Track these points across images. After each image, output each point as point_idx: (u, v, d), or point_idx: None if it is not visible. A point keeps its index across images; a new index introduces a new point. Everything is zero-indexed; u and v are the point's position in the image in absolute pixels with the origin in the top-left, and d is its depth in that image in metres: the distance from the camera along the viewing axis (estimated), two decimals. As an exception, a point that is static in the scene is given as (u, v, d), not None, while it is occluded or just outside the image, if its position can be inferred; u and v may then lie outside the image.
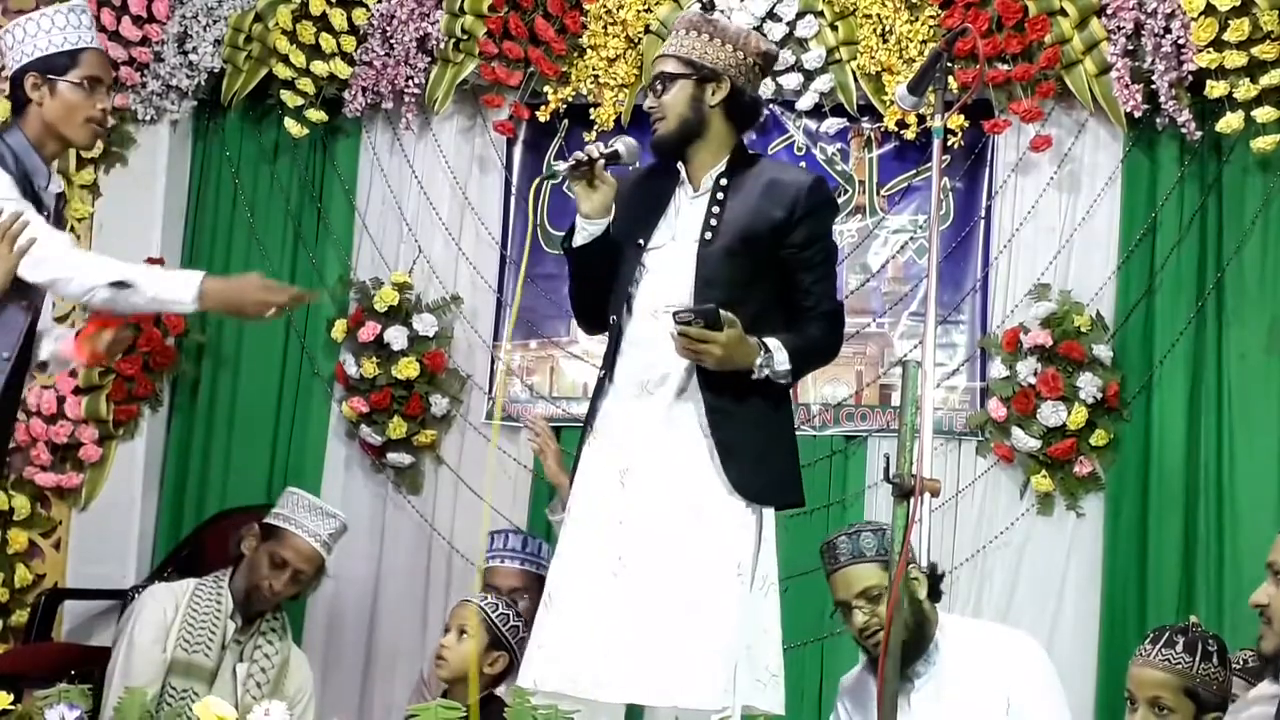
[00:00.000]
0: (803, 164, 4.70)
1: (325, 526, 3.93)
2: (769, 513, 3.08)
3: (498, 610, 3.73)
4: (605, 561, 2.98)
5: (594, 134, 4.66)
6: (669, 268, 3.04)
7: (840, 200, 4.71)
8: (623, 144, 3.02)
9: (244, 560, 3.88)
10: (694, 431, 3.01)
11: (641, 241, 3.07)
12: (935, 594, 3.32)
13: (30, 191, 3.14)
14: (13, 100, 3.26)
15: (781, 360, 2.97)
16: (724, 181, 3.06)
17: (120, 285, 3.03)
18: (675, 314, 2.92)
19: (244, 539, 3.92)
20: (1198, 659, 2.83)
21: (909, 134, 4.54)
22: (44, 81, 3.19)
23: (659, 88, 3.06)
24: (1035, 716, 3.20)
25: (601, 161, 3.01)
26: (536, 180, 3.10)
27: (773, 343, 2.98)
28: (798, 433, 4.54)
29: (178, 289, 3.06)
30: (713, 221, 3.02)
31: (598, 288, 3.12)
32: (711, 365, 2.93)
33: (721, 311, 2.89)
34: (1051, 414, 4.36)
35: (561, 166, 3.05)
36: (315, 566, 3.92)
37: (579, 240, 3.06)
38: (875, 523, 3.36)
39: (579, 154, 3.00)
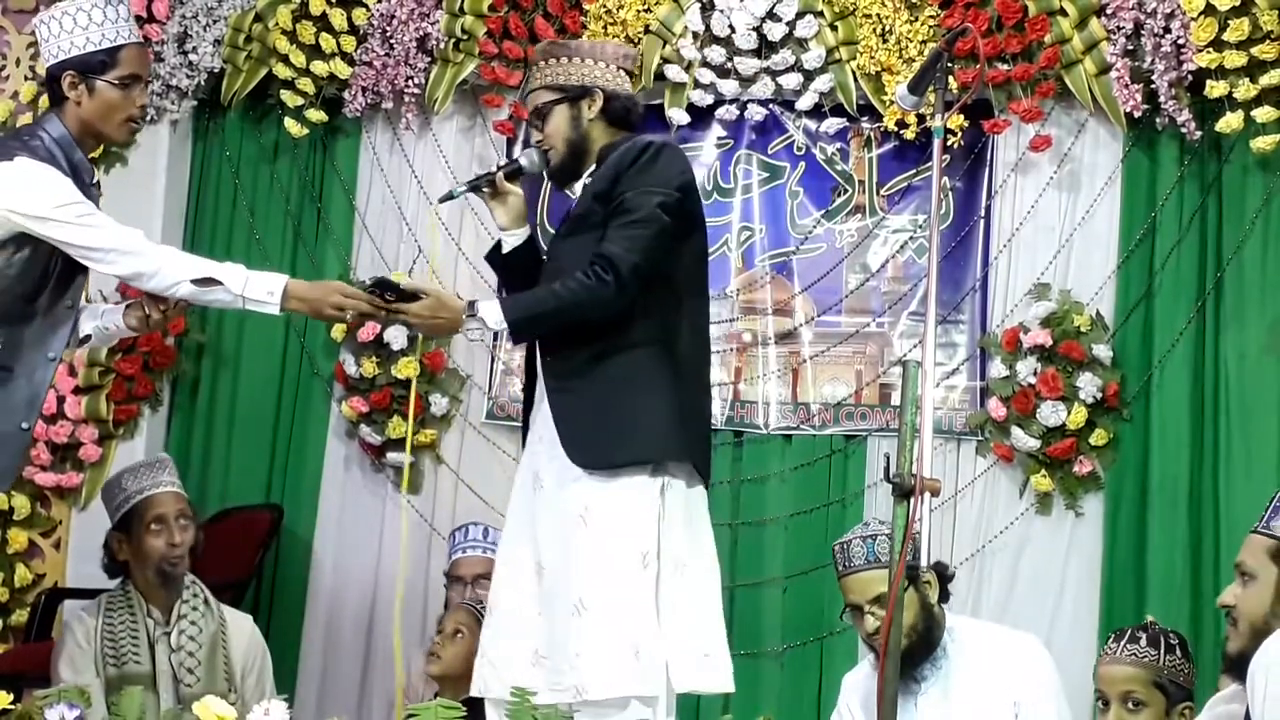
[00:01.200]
0: (803, 164, 4.71)
1: (160, 472, 3.87)
2: (675, 495, 3.02)
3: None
4: (527, 566, 3.06)
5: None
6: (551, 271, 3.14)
7: (840, 200, 4.72)
8: (525, 157, 3.13)
9: (130, 563, 3.84)
10: (553, 423, 3.04)
11: (546, 257, 3.19)
12: (944, 595, 3.33)
13: (81, 187, 3.11)
14: (50, 95, 3.19)
15: (495, 318, 2.97)
16: (588, 179, 3.14)
17: (205, 282, 3.04)
18: (364, 286, 3.03)
19: (113, 548, 3.84)
20: (1162, 652, 2.91)
21: (909, 134, 4.54)
22: (81, 80, 3.11)
23: (538, 123, 3.15)
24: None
25: (500, 175, 3.18)
26: (437, 200, 3.20)
27: (485, 304, 3.00)
28: (797, 432, 4.63)
29: (262, 290, 3.05)
30: (568, 216, 3.13)
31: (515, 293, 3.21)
32: (421, 331, 3.06)
33: (405, 282, 3.04)
34: (1051, 414, 4.36)
35: (460, 188, 3.20)
36: (185, 504, 3.86)
37: (504, 250, 3.18)
38: (889, 525, 3.35)
39: (478, 172, 3.09)
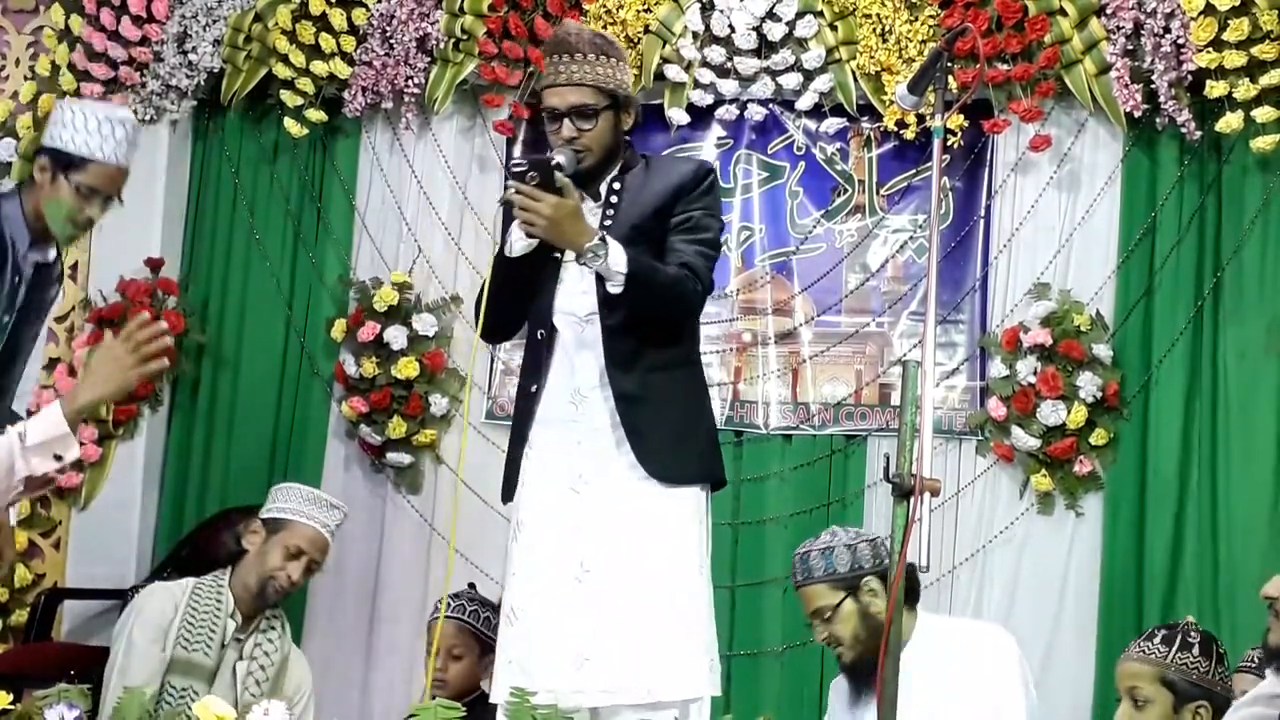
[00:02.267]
0: (803, 164, 4.72)
1: (333, 518, 3.91)
2: (708, 500, 3.10)
3: (478, 618, 3.74)
4: (567, 569, 3.00)
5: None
6: (582, 275, 3.05)
7: (840, 200, 4.72)
8: (563, 155, 3.01)
9: (248, 556, 3.87)
10: (613, 427, 3.02)
11: (558, 255, 3.09)
12: (912, 598, 3.29)
13: (5, 256, 3.25)
14: (32, 170, 3.40)
15: (618, 260, 2.90)
16: (616, 185, 3.10)
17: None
18: (511, 161, 2.93)
19: (244, 535, 3.91)
20: (1174, 649, 2.89)
21: (908, 134, 4.54)
22: (50, 168, 3.32)
23: (580, 121, 3.03)
24: (1008, 715, 3.21)
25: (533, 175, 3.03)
26: (502, 199, 3.06)
27: (615, 244, 2.93)
28: (797, 432, 4.63)
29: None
30: (607, 223, 3.05)
31: (520, 297, 3.12)
32: (540, 232, 2.90)
33: (560, 176, 2.88)
34: (1051, 413, 4.36)
35: (512, 189, 2.96)
36: (326, 557, 3.89)
37: (519, 250, 3.04)
38: (826, 539, 3.35)
39: (521, 167, 2.96)
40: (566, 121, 3.03)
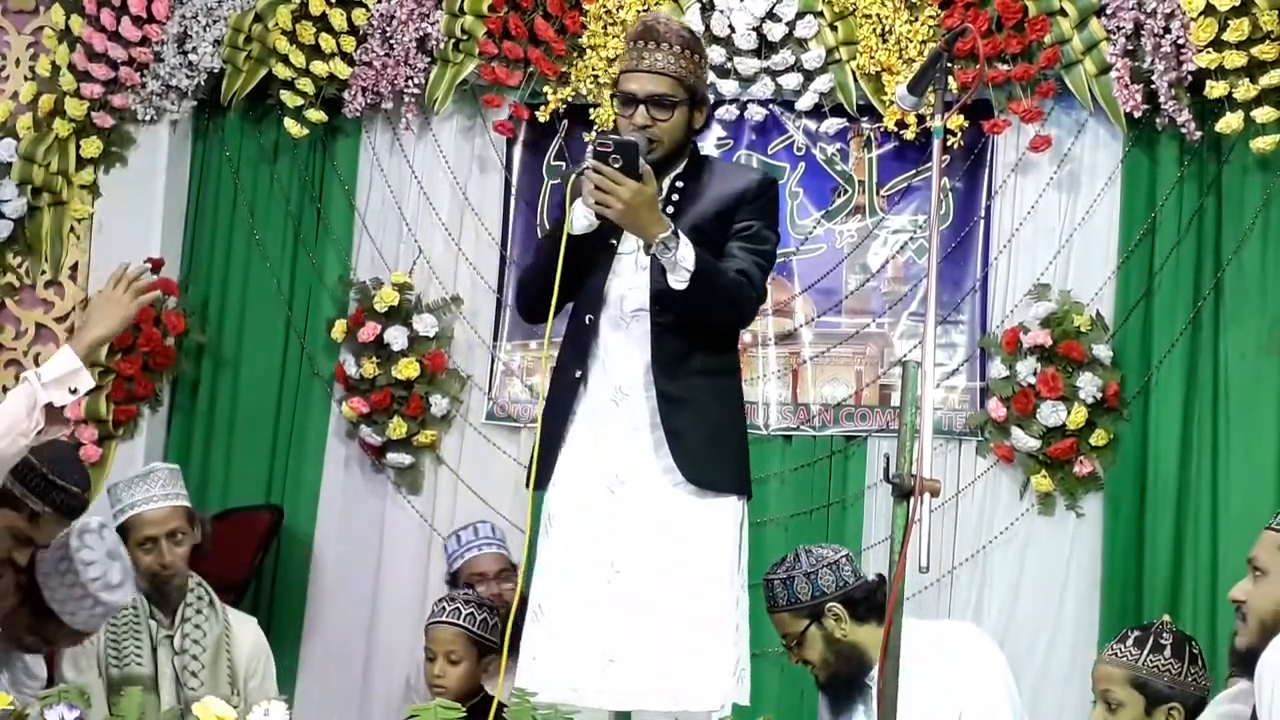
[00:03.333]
0: (803, 164, 4.72)
1: (154, 486, 3.85)
2: (744, 510, 3.08)
3: (474, 620, 3.73)
4: (598, 569, 2.98)
5: (594, 134, 4.68)
6: (636, 270, 3.03)
7: (840, 200, 4.72)
8: (642, 139, 2.96)
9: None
10: (652, 427, 3.01)
11: (614, 242, 3.05)
12: (876, 614, 3.27)
13: None
14: None
15: (687, 255, 2.88)
16: (680, 184, 3.07)
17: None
18: (595, 140, 2.88)
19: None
20: (1146, 651, 2.88)
21: (909, 134, 4.54)
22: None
23: (655, 110, 3.00)
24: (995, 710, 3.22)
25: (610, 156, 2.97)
26: (574, 174, 2.99)
27: (685, 239, 2.90)
28: (797, 433, 4.63)
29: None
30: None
31: (568, 278, 3.02)
32: (614, 216, 2.86)
33: (643, 163, 2.85)
34: (1051, 414, 4.36)
35: (590, 166, 2.91)
36: (180, 517, 3.83)
37: (579, 228, 2.98)
38: (788, 566, 3.35)
39: (606, 148, 2.90)
40: (642, 108, 3.00)
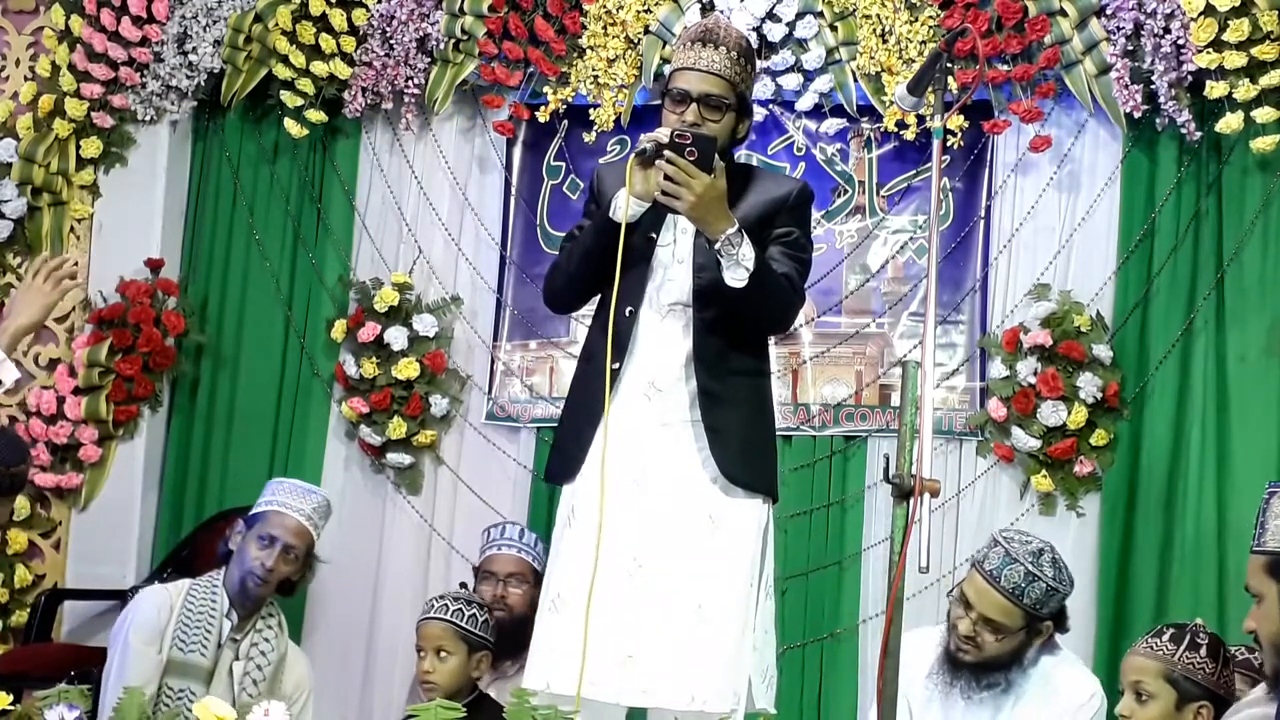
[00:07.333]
0: (803, 164, 4.72)
1: (308, 502, 3.92)
2: (771, 514, 3.08)
3: (463, 616, 3.73)
4: (620, 563, 2.95)
5: (594, 134, 4.69)
6: (676, 264, 3.04)
7: (840, 200, 4.72)
8: (709, 130, 2.98)
9: (232, 554, 3.89)
10: (691, 422, 3.01)
11: (654, 235, 3.05)
12: (1062, 625, 3.32)
13: None
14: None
15: (748, 254, 2.90)
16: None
17: None
18: (674, 131, 2.86)
19: (231, 536, 3.93)
20: (1181, 648, 2.93)
21: (909, 134, 4.54)
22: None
23: (705, 110, 3.00)
24: None
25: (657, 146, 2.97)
26: (632, 159, 2.97)
27: (747, 238, 2.91)
28: (797, 433, 4.63)
29: None
30: None
31: (605, 269, 3.01)
32: (682, 207, 2.87)
33: (717, 159, 2.86)
34: (1051, 414, 4.36)
35: (650, 147, 2.92)
36: (305, 543, 3.89)
37: (626, 217, 2.96)
38: (1038, 564, 3.25)
39: (656, 137, 2.92)
40: (694, 106, 3.01)
